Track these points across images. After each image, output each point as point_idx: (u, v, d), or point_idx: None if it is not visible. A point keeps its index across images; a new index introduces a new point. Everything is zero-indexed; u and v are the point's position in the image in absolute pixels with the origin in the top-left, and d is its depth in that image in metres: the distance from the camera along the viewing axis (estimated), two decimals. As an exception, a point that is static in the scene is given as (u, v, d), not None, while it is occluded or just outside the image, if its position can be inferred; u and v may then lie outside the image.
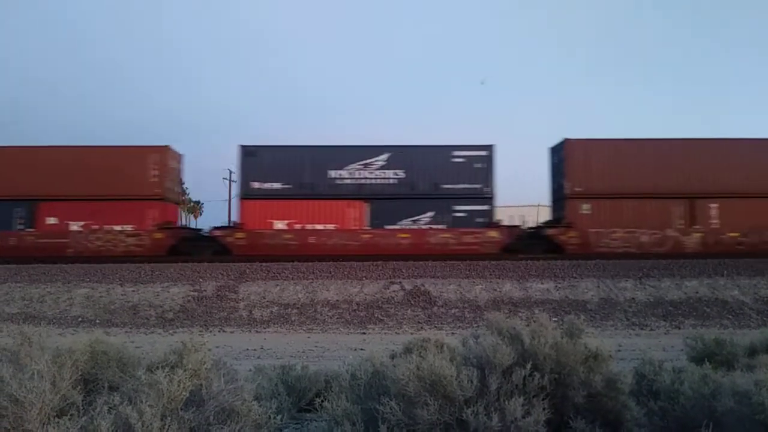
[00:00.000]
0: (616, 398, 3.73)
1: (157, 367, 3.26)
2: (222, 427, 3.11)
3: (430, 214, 20.38)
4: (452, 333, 12.29)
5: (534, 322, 4.00)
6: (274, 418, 3.48)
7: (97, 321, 14.77)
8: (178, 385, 3.11)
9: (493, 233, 20.18)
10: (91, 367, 3.72)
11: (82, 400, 3.18)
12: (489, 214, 20.57)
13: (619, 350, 9.36)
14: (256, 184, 20.38)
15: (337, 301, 15.43)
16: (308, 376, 5.21)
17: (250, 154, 20.59)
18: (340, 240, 20.04)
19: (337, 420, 3.47)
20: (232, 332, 13.57)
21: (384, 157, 20.59)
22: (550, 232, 20.56)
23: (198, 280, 16.93)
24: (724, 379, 3.67)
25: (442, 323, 14.12)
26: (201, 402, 3.24)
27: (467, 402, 3.31)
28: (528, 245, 20.47)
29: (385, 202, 20.39)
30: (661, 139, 21.06)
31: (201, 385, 3.31)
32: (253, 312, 15.05)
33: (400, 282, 16.39)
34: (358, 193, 20.49)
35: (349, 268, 17.61)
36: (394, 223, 20.37)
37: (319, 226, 20.25)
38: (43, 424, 2.79)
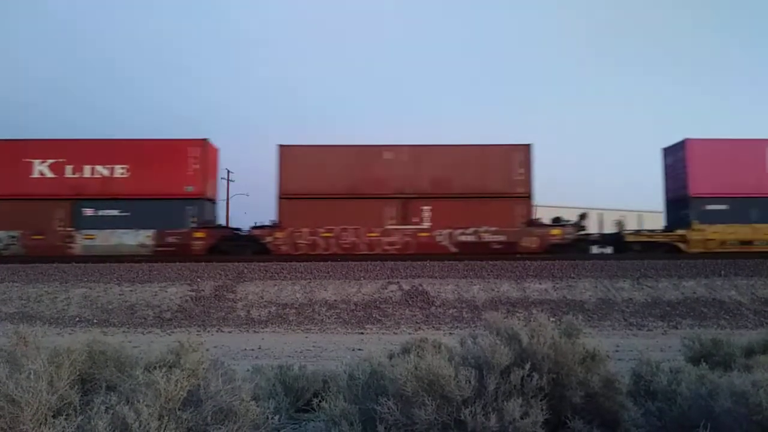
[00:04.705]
0: (613, 398, 3.74)
1: (155, 367, 3.25)
2: (219, 427, 3.11)
3: None
4: (450, 333, 12.31)
5: (532, 321, 4.01)
6: (272, 418, 3.48)
7: (95, 321, 14.73)
8: (176, 385, 3.11)
9: None
10: (88, 367, 3.72)
11: (80, 400, 3.18)
12: None
13: (616, 350, 9.39)
14: None
15: (335, 301, 15.42)
16: (306, 376, 5.21)
17: None
18: None
19: (334, 420, 3.46)
20: (229, 332, 13.55)
21: None
22: None
23: (196, 279, 16.90)
24: (721, 379, 3.68)
25: (440, 323, 14.11)
26: (199, 402, 3.24)
27: (465, 402, 3.32)
28: None
29: None
30: None
31: (199, 384, 3.31)
32: (250, 312, 15.03)
33: (398, 282, 16.39)
34: None
35: (347, 268, 17.62)
36: None
37: None
38: (40, 424, 2.78)
